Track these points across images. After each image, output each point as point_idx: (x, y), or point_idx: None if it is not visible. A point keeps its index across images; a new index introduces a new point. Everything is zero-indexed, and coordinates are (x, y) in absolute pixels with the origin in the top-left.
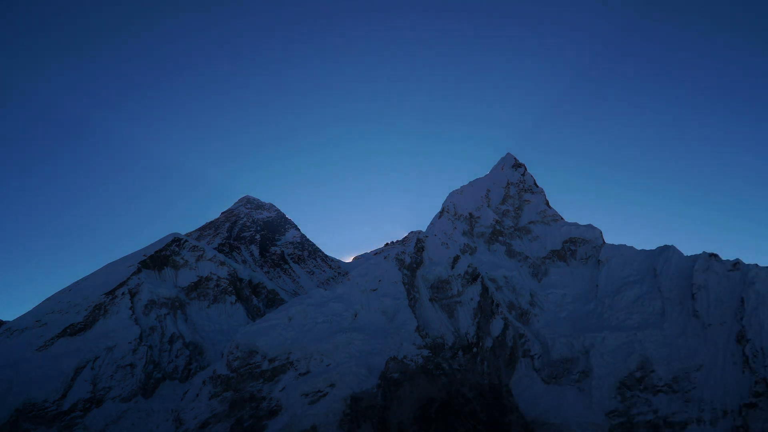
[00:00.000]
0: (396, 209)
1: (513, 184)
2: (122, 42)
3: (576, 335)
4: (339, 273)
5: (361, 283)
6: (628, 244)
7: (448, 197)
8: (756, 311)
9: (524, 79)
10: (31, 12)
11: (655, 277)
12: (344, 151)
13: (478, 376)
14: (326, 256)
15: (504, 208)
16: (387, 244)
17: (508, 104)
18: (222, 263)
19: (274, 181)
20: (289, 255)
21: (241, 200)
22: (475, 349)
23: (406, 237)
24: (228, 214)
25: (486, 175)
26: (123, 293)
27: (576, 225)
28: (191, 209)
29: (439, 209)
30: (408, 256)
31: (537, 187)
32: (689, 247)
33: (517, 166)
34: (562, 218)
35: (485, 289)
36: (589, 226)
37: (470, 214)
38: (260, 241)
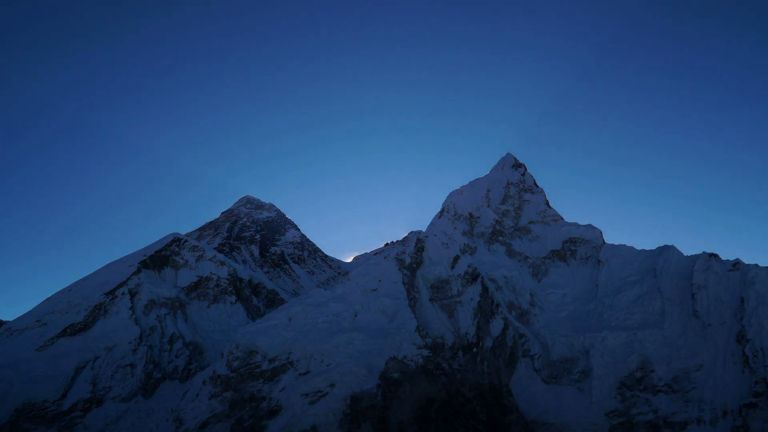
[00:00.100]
0: (396, 209)
1: (513, 184)
2: (123, 41)
3: (576, 335)
4: (339, 273)
5: (361, 283)
6: (628, 244)
7: (448, 197)
8: (756, 311)
9: (524, 79)
10: (30, 12)
11: (655, 277)
12: (344, 150)
13: (478, 376)
14: (326, 256)
15: (504, 208)
16: (387, 244)
17: (508, 104)
18: (222, 263)
19: (274, 181)
20: (289, 255)
21: (241, 200)
22: (475, 349)
23: (406, 237)
24: (228, 214)
25: (486, 175)
26: (123, 293)
27: (576, 225)
28: (191, 209)
29: (439, 209)
30: (408, 256)
31: (537, 187)
32: (689, 247)
33: (517, 166)
34: (562, 218)
35: (485, 289)
36: (589, 226)
37: (470, 214)
38: (260, 241)
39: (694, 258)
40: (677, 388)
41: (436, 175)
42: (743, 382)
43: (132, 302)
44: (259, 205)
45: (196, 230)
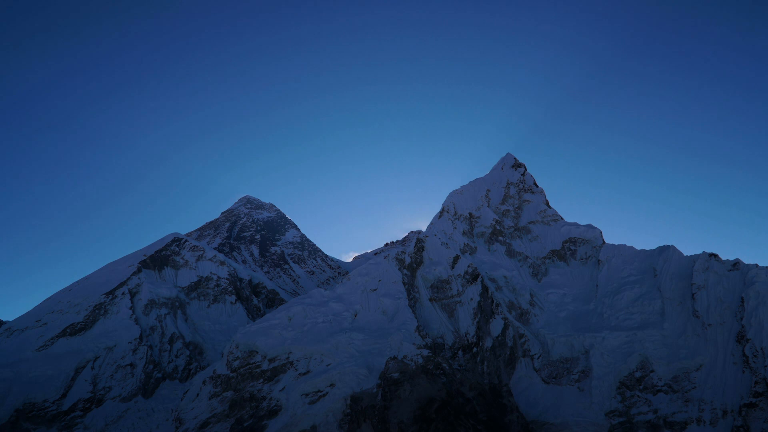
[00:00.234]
0: (396, 209)
1: (513, 184)
2: (123, 42)
3: (576, 335)
4: (339, 273)
5: (361, 283)
6: (628, 244)
7: (448, 197)
8: (756, 311)
9: (525, 80)
10: (31, 12)
11: (655, 277)
12: (344, 151)
13: (478, 376)
14: (326, 256)
15: (504, 208)
16: (387, 244)
17: (508, 104)
18: (222, 263)
19: (274, 181)
20: (289, 255)
21: (241, 200)
22: (475, 349)
23: (406, 237)
24: (228, 214)
25: (486, 175)
26: (123, 293)
27: (576, 225)
28: (191, 209)
29: (439, 209)
30: (408, 256)
31: (537, 187)
32: (689, 247)
33: (517, 166)
34: (562, 218)
35: (485, 289)
36: (589, 226)
37: (470, 214)
38: (260, 241)
39: (694, 258)
40: (677, 388)
41: (436, 175)
42: (743, 382)
43: (132, 302)
44: (259, 205)
45: (196, 230)
